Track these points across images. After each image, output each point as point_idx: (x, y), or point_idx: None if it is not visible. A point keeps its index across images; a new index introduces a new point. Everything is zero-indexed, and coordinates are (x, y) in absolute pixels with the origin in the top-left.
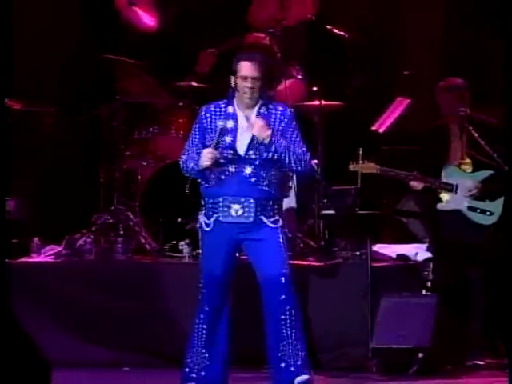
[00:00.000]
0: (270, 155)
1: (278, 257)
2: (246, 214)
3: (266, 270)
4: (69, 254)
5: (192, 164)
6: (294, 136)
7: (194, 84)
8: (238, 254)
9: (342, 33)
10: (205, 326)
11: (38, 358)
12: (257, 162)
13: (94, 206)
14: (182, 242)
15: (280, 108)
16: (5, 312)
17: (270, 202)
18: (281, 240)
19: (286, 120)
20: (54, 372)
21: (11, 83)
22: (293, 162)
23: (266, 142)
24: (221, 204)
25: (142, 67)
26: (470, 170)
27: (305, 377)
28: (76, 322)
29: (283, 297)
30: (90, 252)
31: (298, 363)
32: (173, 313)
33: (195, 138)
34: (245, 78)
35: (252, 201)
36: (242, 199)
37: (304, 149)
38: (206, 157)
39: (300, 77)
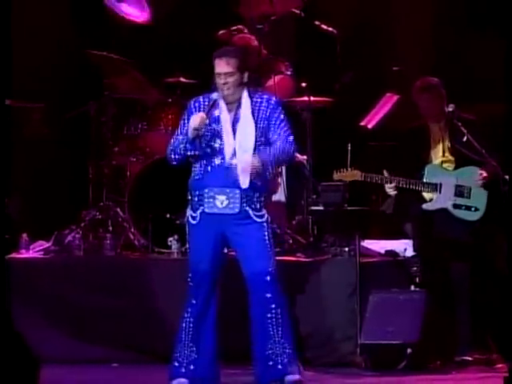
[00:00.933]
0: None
1: (263, 255)
2: (231, 205)
3: (251, 268)
4: (57, 250)
5: (178, 141)
6: (279, 123)
7: (182, 80)
8: (226, 250)
9: (330, 29)
10: (192, 320)
11: (25, 355)
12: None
13: (82, 202)
14: (170, 238)
15: (265, 96)
16: None
17: (257, 194)
18: (266, 237)
19: (270, 107)
20: (42, 368)
21: (11, 83)
22: (277, 163)
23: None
24: (206, 195)
25: (130, 64)
26: (452, 168)
27: (296, 376)
28: (65, 319)
29: (269, 295)
30: (78, 248)
31: (285, 361)
32: (162, 309)
33: (183, 127)
34: (218, 75)
35: (237, 191)
36: (228, 190)
37: (289, 138)
38: (196, 120)
39: (289, 73)
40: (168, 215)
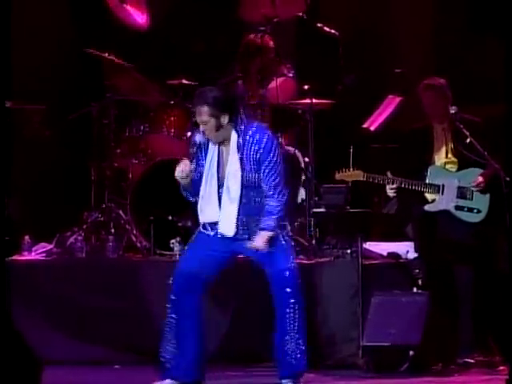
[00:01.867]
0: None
1: (280, 252)
2: (240, 232)
3: (271, 266)
4: (60, 252)
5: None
6: (268, 169)
7: (184, 82)
8: (231, 258)
9: (332, 31)
10: (173, 316)
11: (28, 356)
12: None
13: (84, 204)
14: (172, 240)
15: (257, 136)
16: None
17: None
18: (282, 238)
19: (261, 151)
20: (44, 370)
21: (11, 84)
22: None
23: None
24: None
25: (130, 66)
26: (455, 169)
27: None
28: (67, 320)
29: (288, 290)
30: (80, 250)
31: (298, 356)
32: (163, 311)
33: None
34: (199, 122)
35: (244, 219)
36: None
37: (274, 186)
38: (179, 168)
39: (291, 75)
40: (170, 217)
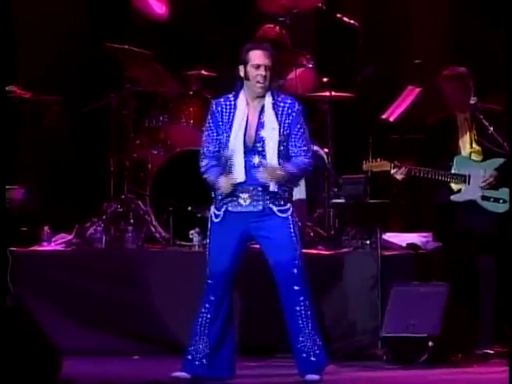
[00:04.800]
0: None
1: (289, 248)
2: (254, 203)
3: (278, 262)
4: (79, 242)
5: (211, 178)
6: (300, 135)
7: (203, 73)
8: (247, 244)
9: (352, 21)
10: (209, 316)
11: (48, 346)
12: (264, 152)
13: (104, 195)
14: (191, 231)
15: (289, 101)
16: (15, 302)
17: (280, 191)
18: (292, 230)
19: (293, 114)
20: (64, 360)
21: (13, 71)
22: (298, 178)
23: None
24: (229, 194)
25: (150, 56)
26: (479, 159)
27: (315, 377)
28: (86, 311)
29: (297, 287)
30: (100, 241)
31: (317, 352)
32: (183, 301)
33: (210, 134)
34: (257, 67)
35: (260, 189)
36: (251, 188)
37: (308, 155)
38: (224, 186)
39: (310, 66)
40: (189, 208)
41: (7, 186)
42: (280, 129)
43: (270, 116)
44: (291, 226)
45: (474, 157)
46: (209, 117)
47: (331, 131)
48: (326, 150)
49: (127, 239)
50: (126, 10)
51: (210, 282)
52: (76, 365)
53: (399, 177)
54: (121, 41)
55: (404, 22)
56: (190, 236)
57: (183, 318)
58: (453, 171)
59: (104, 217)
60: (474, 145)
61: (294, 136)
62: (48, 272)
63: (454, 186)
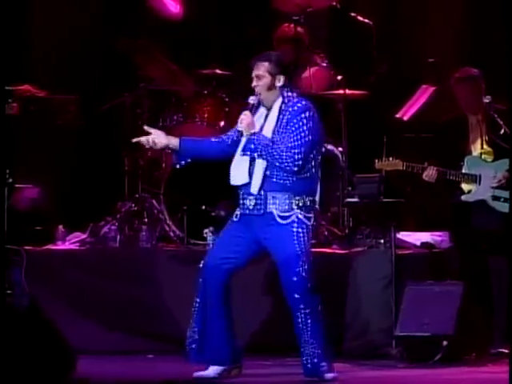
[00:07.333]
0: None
1: (289, 255)
2: (257, 207)
3: (279, 268)
4: (93, 241)
5: None
6: (291, 130)
7: (218, 72)
8: (257, 246)
9: (366, 20)
10: (198, 300)
11: (63, 345)
12: None
13: (118, 194)
14: (206, 230)
15: (297, 103)
16: (30, 301)
17: (285, 196)
18: (294, 237)
19: (293, 113)
20: (78, 359)
21: (16, 68)
22: (270, 158)
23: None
24: (241, 197)
25: (165, 53)
26: (491, 159)
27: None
28: (100, 310)
29: (296, 296)
30: (114, 240)
31: (315, 361)
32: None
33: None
34: (252, 78)
35: (262, 193)
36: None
37: (293, 150)
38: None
39: (324, 64)
40: (203, 207)
41: (21, 185)
42: (275, 130)
43: (271, 120)
44: (294, 233)
45: (484, 157)
46: None
47: (345, 130)
48: (341, 148)
49: (141, 238)
50: (140, 9)
51: (200, 266)
52: (91, 364)
53: (429, 179)
54: (135, 39)
55: (418, 21)
56: (204, 235)
57: None
58: (463, 171)
59: (118, 216)
60: (485, 146)
61: (286, 130)
62: (62, 271)
63: (465, 187)
